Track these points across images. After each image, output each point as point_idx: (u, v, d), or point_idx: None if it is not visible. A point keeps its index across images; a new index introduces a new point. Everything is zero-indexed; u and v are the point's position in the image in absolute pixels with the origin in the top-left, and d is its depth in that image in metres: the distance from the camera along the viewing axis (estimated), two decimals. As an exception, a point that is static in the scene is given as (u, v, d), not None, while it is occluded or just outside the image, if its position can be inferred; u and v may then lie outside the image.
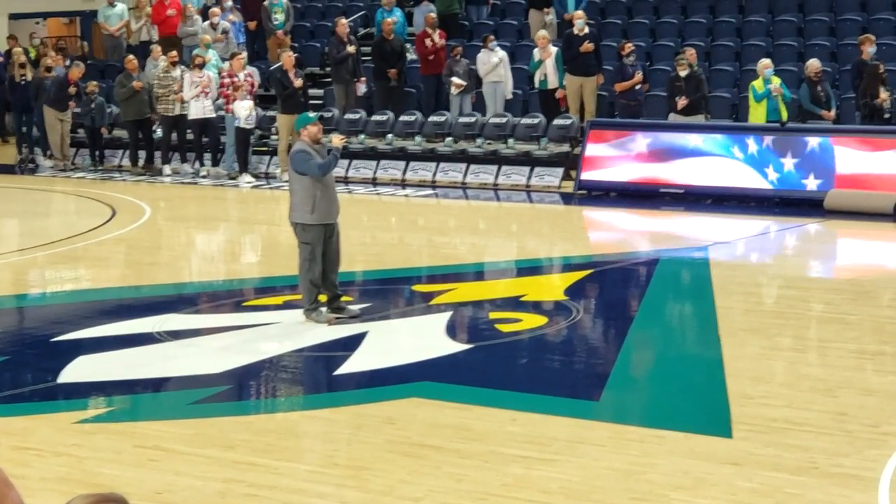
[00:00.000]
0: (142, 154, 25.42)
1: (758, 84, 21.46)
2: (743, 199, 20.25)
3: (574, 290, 14.22)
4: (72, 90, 25.52)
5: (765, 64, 21.59)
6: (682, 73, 21.81)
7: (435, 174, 23.29)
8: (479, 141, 23.55)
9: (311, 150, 12.42)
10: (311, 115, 13.30)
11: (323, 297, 12.65)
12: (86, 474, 8.23)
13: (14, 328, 13.52)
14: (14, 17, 34.15)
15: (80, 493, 3.65)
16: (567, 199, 21.48)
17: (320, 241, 12.43)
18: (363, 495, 7.85)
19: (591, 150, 21.59)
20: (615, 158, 21.37)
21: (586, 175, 21.53)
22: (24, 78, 26.93)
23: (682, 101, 21.69)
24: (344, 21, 25.85)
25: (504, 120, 23.54)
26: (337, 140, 12.70)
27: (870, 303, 13.54)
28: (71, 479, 7.99)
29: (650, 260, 16.14)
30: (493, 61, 24.18)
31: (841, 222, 18.62)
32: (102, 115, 25.88)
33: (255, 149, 24.57)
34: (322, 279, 12.51)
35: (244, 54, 25.21)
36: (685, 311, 14.15)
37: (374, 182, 23.36)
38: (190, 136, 24.88)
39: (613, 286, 15.29)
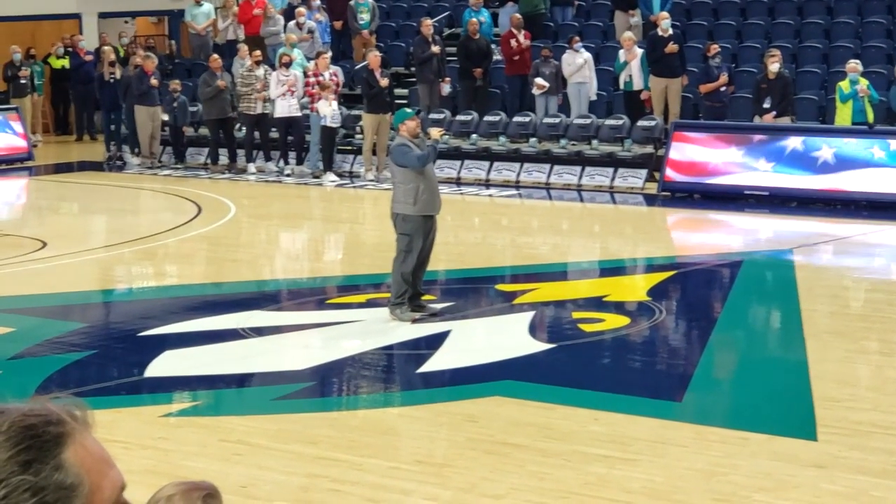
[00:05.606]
0: (224, 153, 25.58)
1: (844, 85, 21.23)
2: (829, 201, 20.07)
3: (657, 291, 14.17)
4: (153, 82, 25.64)
5: (852, 66, 21.33)
6: (772, 67, 21.40)
7: (519, 174, 23.27)
8: (563, 142, 23.50)
9: (411, 143, 12.52)
10: (408, 110, 13.39)
11: (404, 295, 12.71)
12: (172, 467, 8.32)
13: (101, 323, 13.68)
14: (103, 15, 34.50)
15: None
16: (650, 200, 21.38)
17: (420, 233, 12.47)
18: (445, 492, 7.88)
19: (675, 151, 21.48)
20: (699, 160, 21.26)
21: (670, 176, 21.43)
22: (112, 76, 27.22)
23: (768, 117, 21.36)
24: (429, 21, 25.92)
25: (588, 121, 23.49)
26: (435, 132, 12.85)
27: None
28: (157, 472, 8.08)
29: (734, 262, 16.04)
30: (578, 62, 24.13)
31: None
32: (184, 114, 26.01)
33: (340, 148, 24.68)
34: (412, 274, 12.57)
35: (329, 53, 25.36)
36: (769, 312, 14.05)
37: (457, 182, 23.36)
38: (274, 135, 25.03)
39: (697, 287, 15.23)
